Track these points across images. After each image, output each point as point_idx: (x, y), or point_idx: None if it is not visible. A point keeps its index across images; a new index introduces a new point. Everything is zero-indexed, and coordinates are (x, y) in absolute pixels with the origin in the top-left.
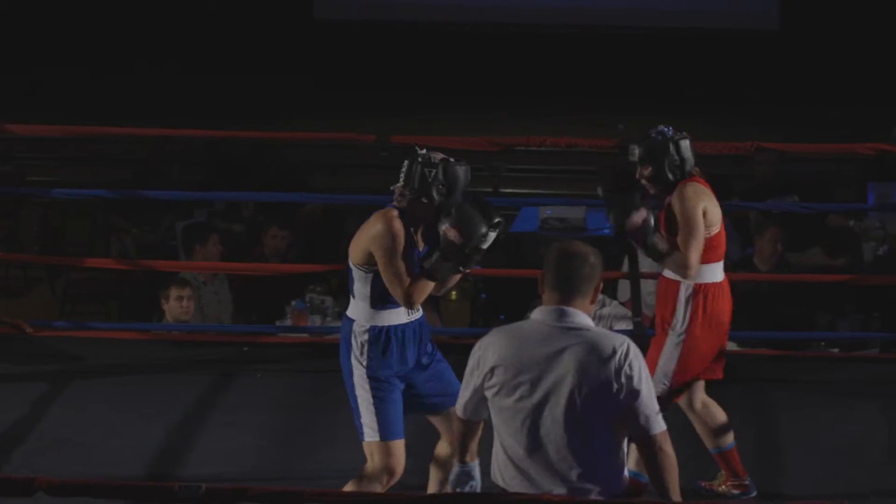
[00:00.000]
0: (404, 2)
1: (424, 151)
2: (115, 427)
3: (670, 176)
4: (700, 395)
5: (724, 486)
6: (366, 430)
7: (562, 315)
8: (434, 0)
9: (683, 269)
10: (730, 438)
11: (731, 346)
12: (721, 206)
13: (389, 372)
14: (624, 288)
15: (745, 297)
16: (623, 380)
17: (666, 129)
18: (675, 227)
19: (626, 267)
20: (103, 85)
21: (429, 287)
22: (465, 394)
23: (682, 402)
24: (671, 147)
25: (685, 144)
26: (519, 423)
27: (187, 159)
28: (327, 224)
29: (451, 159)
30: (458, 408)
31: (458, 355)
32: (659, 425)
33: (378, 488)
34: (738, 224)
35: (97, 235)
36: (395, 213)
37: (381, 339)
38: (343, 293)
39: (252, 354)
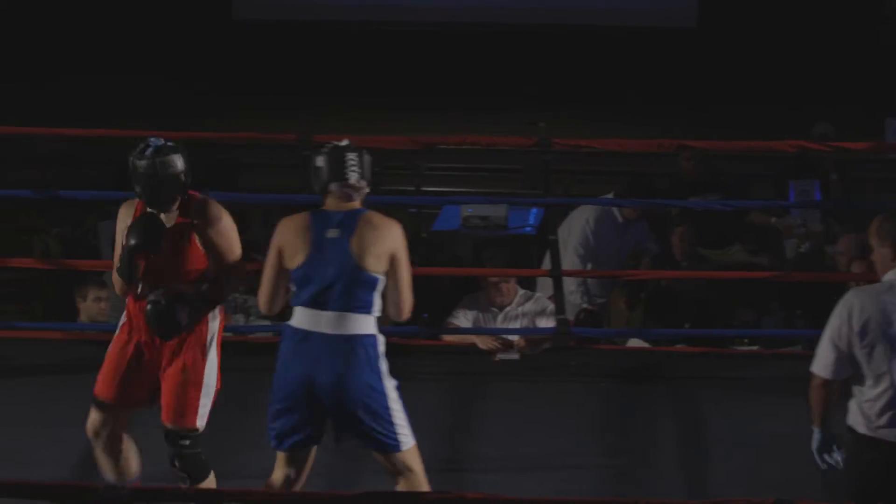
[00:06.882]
0: (324, 2)
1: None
2: (38, 427)
3: None
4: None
5: None
6: (404, 438)
7: None
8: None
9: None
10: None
11: (642, 344)
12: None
13: None
14: (544, 286)
15: (663, 294)
16: None
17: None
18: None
19: (546, 264)
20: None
21: None
22: (829, 354)
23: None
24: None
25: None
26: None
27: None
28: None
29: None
30: (823, 369)
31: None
32: None
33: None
34: (660, 220)
35: (19, 235)
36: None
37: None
38: None
39: None
